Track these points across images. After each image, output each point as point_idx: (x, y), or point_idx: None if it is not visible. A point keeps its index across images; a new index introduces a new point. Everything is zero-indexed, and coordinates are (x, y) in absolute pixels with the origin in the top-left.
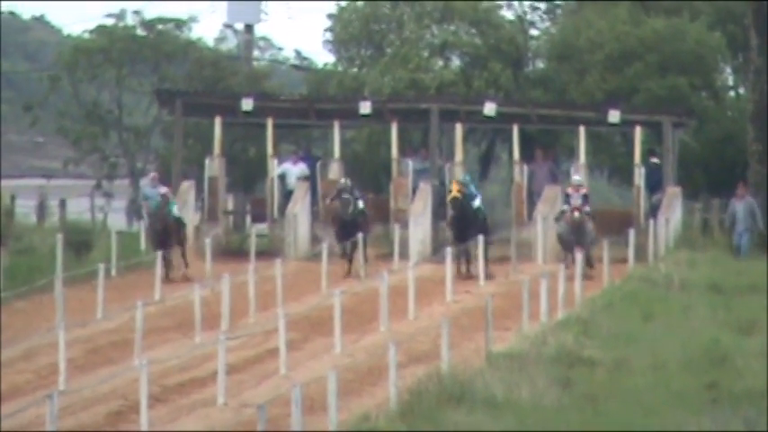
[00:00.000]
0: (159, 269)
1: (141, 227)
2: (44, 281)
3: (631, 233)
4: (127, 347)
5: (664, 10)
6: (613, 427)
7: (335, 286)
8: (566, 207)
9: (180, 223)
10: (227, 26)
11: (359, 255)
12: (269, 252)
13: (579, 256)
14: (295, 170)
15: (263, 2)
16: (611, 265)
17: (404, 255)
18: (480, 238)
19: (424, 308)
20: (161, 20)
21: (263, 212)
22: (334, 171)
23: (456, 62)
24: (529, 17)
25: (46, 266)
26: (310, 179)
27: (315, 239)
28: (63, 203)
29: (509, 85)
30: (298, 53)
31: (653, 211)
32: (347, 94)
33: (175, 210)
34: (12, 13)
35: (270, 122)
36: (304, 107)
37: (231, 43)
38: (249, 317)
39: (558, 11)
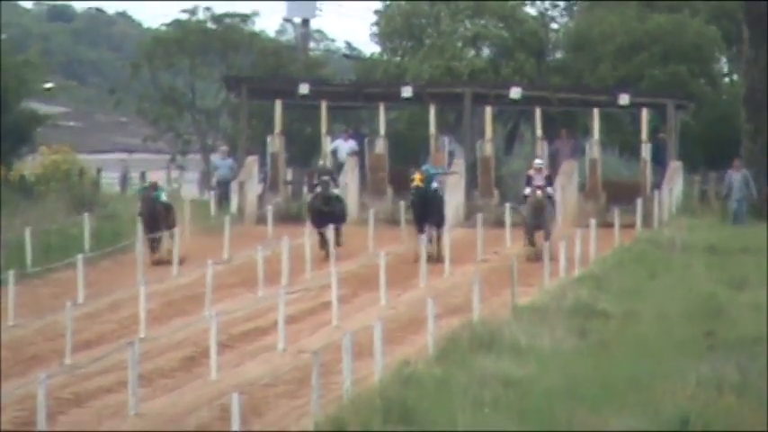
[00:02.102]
0: (153, 252)
1: (212, 195)
2: (126, 243)
3: (639, 202)
4: (198, 301)
5: (667, 7)
6: (623, 371)
7: (381, 248)
8: (527, 190)
9: (168, 208)
10: (287, 20)
11: (334, 237)
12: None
13: (540, 239)
14: (345, 146)
15: (318, 1)
16: (621, 229)
17: None
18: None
19: (458, 267)
20: (228, 15)
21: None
22: (380, 147)
23: (486, 52)
24: (549, 13)
25: (127, 230)
26: (359, 154)
27: (362, 207)
28: (143, 175)
29: (532, 73)
30: (348, 44)
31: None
32: (391, 80)
33: (163, 195)
34: (99, 10)
35: (323, 105)
36: (353, 91)
37: (290, 35)
38: (305, 274)
39: (575, 8)
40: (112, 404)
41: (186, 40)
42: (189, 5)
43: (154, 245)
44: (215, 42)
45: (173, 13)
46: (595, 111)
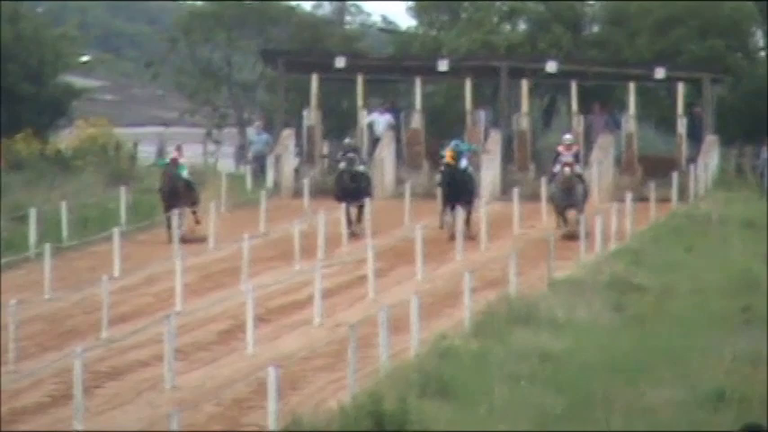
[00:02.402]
0: (169, 229)
1: (248, 169)
2: (163, 216)
3: (675, 176)
4: (235, 274)
5: None
6: (660, 345)
7: (417, 221)
8: (557, 167)
9: (189, 185)
10: None
11: (364, 214)
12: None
13: (571, 216)
14: (382, 120)
15: None
16: (657, 203)
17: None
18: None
19: (495, 240)
20: None
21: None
22: (416, 121)
23: (522, 26)
24: None
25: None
26: (395, 128)
27: (399, 181)
28: (179, 148)
29: (569, 46)
30: (384, 18)
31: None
32: (427, 54)
33: (185, 172)
34: None
35: (360, 78)
36: (390, 65)
37: (326, 9)
38: (342, 248)
39: None
40: (149, 377)
41: (223, 14)
42: None
43: (172, 222)
44: (252, 16)
45: None
46: (632, 85)
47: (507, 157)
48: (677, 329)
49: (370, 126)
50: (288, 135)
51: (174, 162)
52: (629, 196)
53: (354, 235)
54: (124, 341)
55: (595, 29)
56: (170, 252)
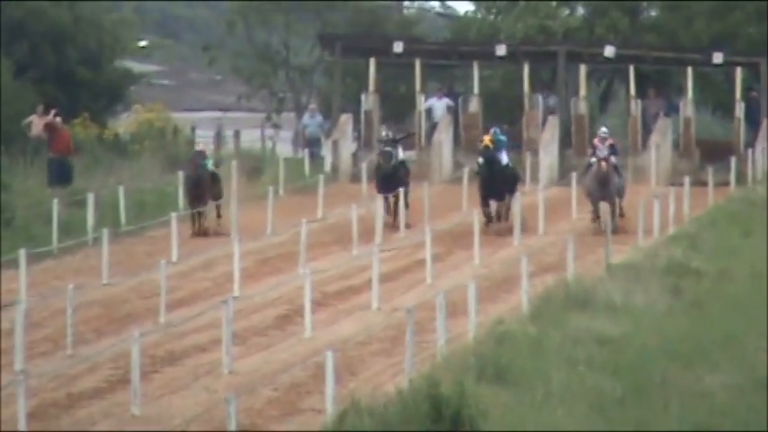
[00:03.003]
0: (194, 223)
1: (305, 153)
2: (221, 201)
3: (733, 160)
4: (292, 259)
5: None
6: (717, 330)
7: (475, 206)
8: (592, 159)
9: (215, 178)
10: None
11: (402, 205)
12: (416, 176)
13: (606, 209)
14: (440, 105)
15: None
16: (714, 188)
17: (534, 179)
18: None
19: (552, 225)
20: None
21: (412, 141)
22: (474, 105)
23: (580, 11)
24: None
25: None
26: (453, 112)
27: (457, 165)
28: (237, 134)
29: (626, 31)
30: (442, 2)
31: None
32: (485, 39)
33: (210, 164)
34: None
35: (418, 63)
36: (447, 49)
37: None
38: (400, 232)
39: None
40: (207, 362)
41: None
42: None
43: (196, 216)
44: (310, 0)
45: None
46: (689, 69)
47: (565, 141)
48: (734, 314)
49: (428, 111)
50: (345, 120)
51: (201, 154)
52: (686, 180)
53: (395, 224)
54: (181, 326)
55: (652, 13)
56: (227, 237)
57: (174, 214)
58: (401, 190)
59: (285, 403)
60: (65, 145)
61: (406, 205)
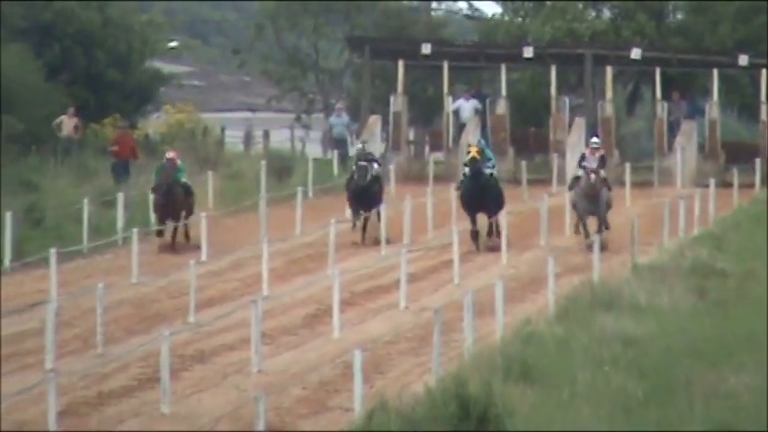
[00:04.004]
0: (166, 236)
1: (334, 154)
2: (250, 201)
3: (758, 162)
4: (321, 259)
5: None
6: (742, 330)
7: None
8: (580, 172)
9: (187, 190)
10: None
11: (374, 221)
12: (444, 177)
13: (593, 227)
14: (467, 106)
15: None
16: (739, 189)
17: (561, 180)
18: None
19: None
20: None
21: (439, 142)
22: (501, 107)
23: (607, 14)
24: None
25: (251, 189)
26: (481, 114)
27: None
28: (266, 134)
29: (652, 34)
30: (470, 5)
31: None
32: (512, 41)
33: (184, 176)
34: None
35: (445, 65)
36: (475, 52)
37: None
38: (427, 233)
39: None
40: (236, 361)
41: (310, 1)
42: None
43: (163, 231)
44: (338, 3)
45: None
46: (715, 72)
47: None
48: (759, 314)
49: (456, 112)
50: (374, 121)
51: (172, 163)
52: (712, 182)
53: (364, 242)
54: (211, 325)
55: (678, 16)
56: (257, 236)
57: (203, 214)
58: (374, 210)
59: (314, 402)
60: (129, 149)
61: (378, 218)
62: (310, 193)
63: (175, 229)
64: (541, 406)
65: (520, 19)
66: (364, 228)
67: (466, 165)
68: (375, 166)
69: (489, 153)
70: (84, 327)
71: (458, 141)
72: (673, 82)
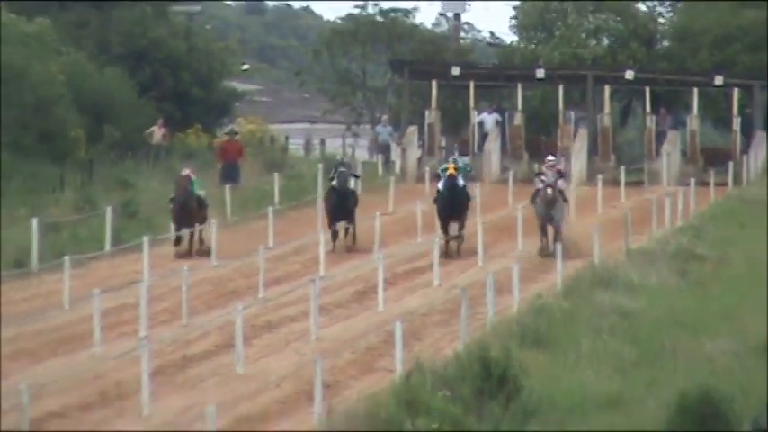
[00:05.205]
0: (179, 245)
1: (379, 158)
2: (309, 198)
3: (730, 165)
4: (368, 245)
5: (755, 5)
6: (717, 305)
7: (518, 202)
8: (539, 185)
9: (201, 202)
10: (441, 15)
11: (351, 231)
12: (471, 177)
13: (551, 233)
14: (490, 119)
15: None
16: (715, 187)
17: (567, 180)
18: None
19: (582, 218)
20: (393, 10)
21: (466, 149)
22: (518, 119)
23: (605, 42)
24: (658, 9)
25: (310, 187)
26: (501, 125)
27: (504, 169)
28: (323, 142)
29: (643, 59)
30: (492, 34)
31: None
32: (527, 64)
33: (198, 188)
34: (287, 5)
35: (471, 84)
36: (496, 73)
37: (444, 27)
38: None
39: (679, 4)
40: (297, 330)
41: (358, 31)
42: (361, 3)
43: (181, 238)
44: (382, 33)
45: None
46: (695, 90)
47: (593, 149)
48: (732, 292)
49: (480, 124)
50: (412, 131)
51: (188, 178)
52: (692, 182)
53: (350, 249)
54: (276, 300)
55: (665, 44)
56: (315, 227)
57: (270, 209)
58: (348, 220)
59: (362, 364)
60: (235, 153)
61: (354, 235)
62: (359, 191)
63: (191, 237)
64: (551, 367)
65: (533, 46)
66: (337, 234)
67: (438, 175)
68: (352, 181)
69: (463, 167)
70: (172, 302)
71: (482, 148)
72: (660, 99)
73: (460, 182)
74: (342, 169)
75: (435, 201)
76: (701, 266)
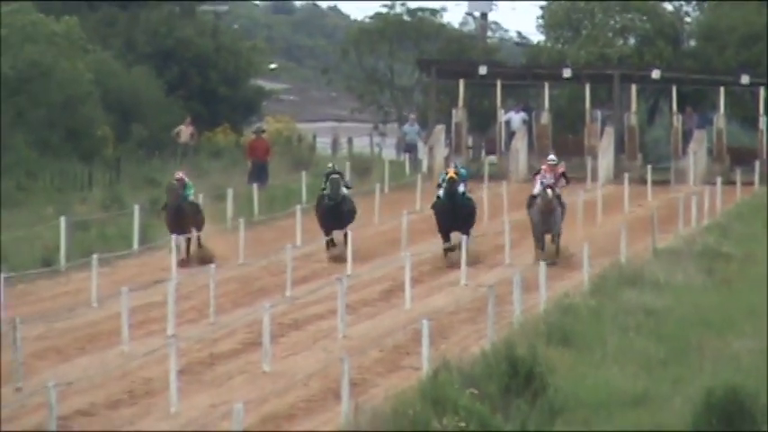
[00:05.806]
0: (174, 252)
1: (406, 157)
2: None
3: (757, 164)
4: (395, 243)
5: None
6: (743, 303)
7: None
8: (536, 190)
9: (195, 208)
10: (468, 14)
11: (340, 239)
12: (497, 176)
13: (548, 242)
14: (517, 117)
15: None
16: (741, 186)
17: (594, 178)
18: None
19: (609, 216)
20: (421, 9)
21: (493, 147)
22: (545, 118)
23: (632, 41)
24: (684, 9)
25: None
26: (528, 124)
27: (530, 167)
28: (350, 140)
29: (669, 58)
30: (518, 33)
31: None
32: (554, 63)
33: (191, 194)
34: (315, 4)
35: (498, 83)
36: (523, 72)
37: (471, 26)
38: (483, 221)
39: (706, 4)
40: (325, 328)
41: (386, 30)
42: (388, 2)
43: (176, 245)
44: (410, 32)
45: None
46: (721, 89)
47: (619, 148)
48: (758, 290)
49: (507, 123)
50: (439, 130)
51: (181, 182)
52: (718, 180)
53: (341, 258)
54: (304, 299)
55: (691, 43)
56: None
57: (298, 206)
58: (344, 228)
59: (389, 362)
60: (263, 151)
61: (345, 240)
62: (386, 189)
63: (188, 243)
64: (578, 365)
65: (560, 45)
66: (332, 242)
67: (439, 185)
68: (344, 188)
69: (464, 172)
70: (199, 300)
71: (509, 147)
72: (686, 98)
73: (461, 188)
74: (334, 176)
75: (433, 207)
76: (727, 265)
